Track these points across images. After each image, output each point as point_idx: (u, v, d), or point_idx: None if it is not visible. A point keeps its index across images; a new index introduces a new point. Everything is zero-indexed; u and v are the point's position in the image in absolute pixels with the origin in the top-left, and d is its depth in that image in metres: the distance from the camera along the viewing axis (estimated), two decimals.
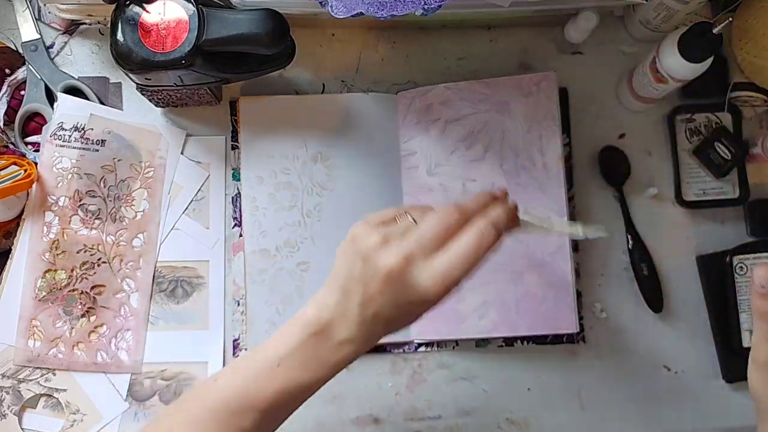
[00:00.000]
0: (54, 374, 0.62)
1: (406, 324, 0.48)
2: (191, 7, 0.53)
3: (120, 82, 0.67)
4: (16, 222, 0.63)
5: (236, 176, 0.66)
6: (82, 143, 0.64)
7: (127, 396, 0.63)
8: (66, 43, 0.67)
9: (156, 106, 0.65)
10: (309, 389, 0.48)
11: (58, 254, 0.63)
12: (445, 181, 0.65)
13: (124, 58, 0.53)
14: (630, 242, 0.67)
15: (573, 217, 0.67)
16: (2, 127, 0.65)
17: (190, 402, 0.49)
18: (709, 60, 0.58)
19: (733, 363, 0.66)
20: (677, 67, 0.58)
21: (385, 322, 0.47)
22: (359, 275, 0.46)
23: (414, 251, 0.45)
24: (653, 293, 0.66)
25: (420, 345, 0.65)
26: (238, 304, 0.64)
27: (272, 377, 0.47)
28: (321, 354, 0.47)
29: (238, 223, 0.65)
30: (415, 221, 0.47)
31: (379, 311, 0.46)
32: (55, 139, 0.63)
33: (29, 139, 0.66)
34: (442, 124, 0.66)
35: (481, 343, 0.66)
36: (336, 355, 0.47)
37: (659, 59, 0.60)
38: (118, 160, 0.65)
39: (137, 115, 0.66)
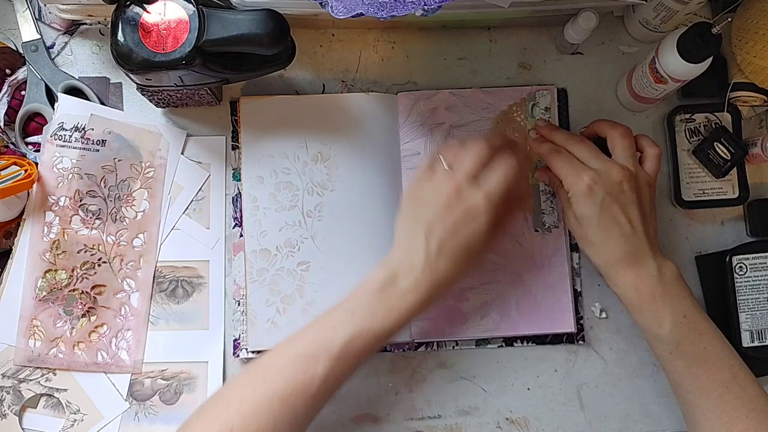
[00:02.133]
0: (54, 374, 0.62)
1: (464, 259, 0.54)
2: (191, 8, 0.53)
3: (120, 83, 0.67)
4: (16, 222, 0.63)
5: (237, 176, 0.66)
6: (82, 143, 0.64)
7: (127, 396, 0.63)
8: (66, 43, 0.67)
9: (156, 106, 0.65)
10: (378, 337, 0.53)
11: (58, 254, 0.63)
12: None
13: (124, 59, 0.53)
14: None
15: None
16: (3, 127, 0.65)
17: (268, 353, 0.55)
18: (709, 60, 0.58)
19: None
20: (676, 67, 0.58)
21: (448, 258, 0.54)
22: (419, 218, 0.55)
23: (461, 181, 0.55)
24: None
25: (420, 345, 0.65)
26: (239, 304, 0.64)
27: (345, 325, 0.53)
28: (389, 302, 0.54)
29: (239, 223, 0.65)
30: (450, 167, 0.56)
31: (441, 243, 0.54)
32: (56, 140, 0.63)
33: (30, 139, 0.66)
34: (446, 128, 0.66)
35: (481, 343, 0.66)
36: (402, 302, 0.54)
37: (658, 59, 0.60)
38: (119, 160, 0.65)
39: (138, 115, 0.66)
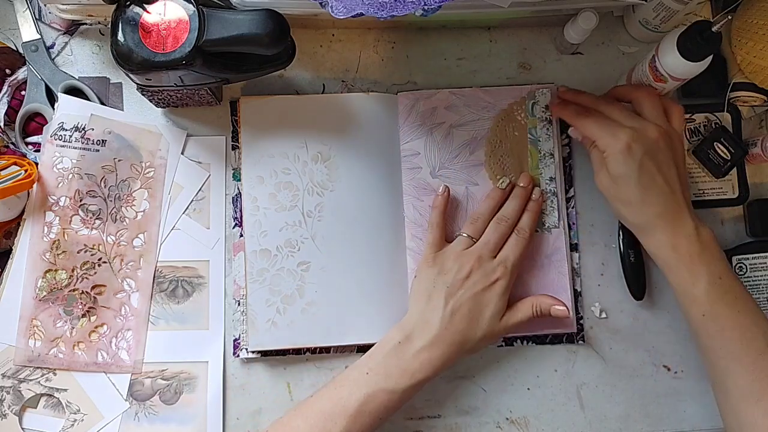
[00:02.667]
0: (54, 374, 0.62)
1: (478, 323, 0.60)
2: (191, 8, 0.53)
3: (120, 83, 0.67)
4: (16, 222, 0.63)
5: (237, 176, 0.66)
6: (82, 143, 0.64)
7: (127, 396, 0.63)
8: (66, 43, 0.67)
9: (156, 106, 0.65)
10: (392, 396, 0.57)
11: (58, 254, 0.63)
12: (449, 183, 0.66)
13: (124, 59, 0.53)
14: (620, 224, 0.67)
15: (573, 218, 0.67)
16: (3, 127, 0.65)
17: (288, 416, 0.58)
18: (708, 59, 0.58)
19: None
20: (676, 66, 0.58)
21: (463, 320, 0.59)
22: (439, 283, 0.60)
23: (482, 254, 0.61)
24: (636, 281, 0.66)
25: None
26: (239, 304, 0.64)
27: (361, 384, 0.57)
28: (402, 362, 0.58)
29: (239, 223, 0.65)
30: (471, 237, 0.62)
31: (458, 306, 0.59)
32: (56, 140, 0.63)
33: (30, 139, 0.66)
34: (446, 128, 0.66)
35: None
36: (415, 361, 0.58)
37: (658, 58, 0.60)
38: (119, 160, 0.65)
39: (138, 115, 0.66)
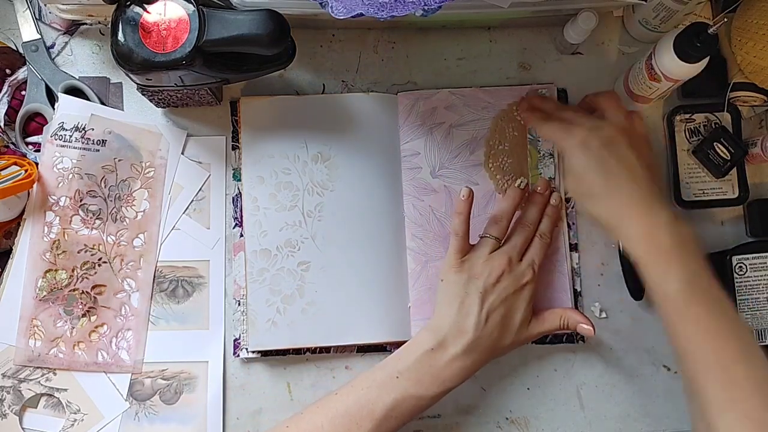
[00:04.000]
0: (54, 374, 0.62)
1: (510, 328, 0.59)
2: (192, 8, 0.53)
3: (121, 83, 0.67)
4: (16, 222, 0.63)
5: (237, 176, 0.66)
6: (82, 143, 0.64)
7: (127, 395, 0.63)
8: (67, 43, 0.67)
9: (157, 106, 0.65)
10: (420, 402, 0.56)
11: (58, 254, 0.63)
12: (449, 184, 0.66)
13: (124, 59, 0.53)
14: None
15: (573, 218, 0.67)
16: (3, 127, 0.65)
17: (310, 412, 0.56)
18: (704, 61, 0.58)
19: None
20: (672, 66, 0.58)
21: (497, 326, 0.58)
22: (471, 287, 0.59)
23: (512, 256, 0.60)
24: (636, 281, 0.66)
25: None
26: (239, 304, 0.64)
27: (390, 388, 0.55)
28: (435, 369, 0.56)
29: (239, 223, 0.65)
30: (497, 238, 0.61)
31: (492, 311, 0.58)
32: (56, 140, 0.63)
33: (30, 139, 0.66)
34: (446, 128, 0.66)
35: None
36: (448, 369, 0.56)
37: (655, 57, 0.60)
38: (119, 160, 0.65)
39: (138, 115, 0.66)
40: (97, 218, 0.64)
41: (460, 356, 0.57)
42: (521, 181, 0.65)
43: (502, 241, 0.62)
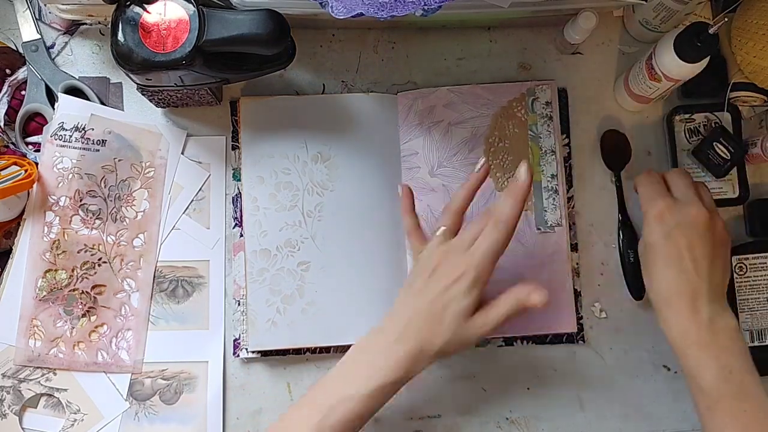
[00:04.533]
0: (54, 374, 0.62)
1: (442, 328, 0.54)
2: (192, 8, 0.53)
3: (120, 83, 0.67)
4: (16, 222, 0.63)
5: (237, 176, 0.66)
6: (82, 143, 0.64)
7: (127, 395, 0.63)
8: (66, 43, 0.67)
9: (156, 106, 0.65)
10: (355, 405, 0.52)
11: (58, 254, 0.63)
12: (447, 182, 0.65)
13: (124, 59, 0.53)
14: (619, 224, 0.66)
15: (573, 218, 0.67)
16: (3, 127, 0.65)
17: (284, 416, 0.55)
18: (705, 61, 0.58)
19: None
20: (672, 66, 0.58)
21: (425, 321, 0.54)
22: (414, 282, 0.56)
23: (452, 247, 0.56)
24: (636, 281, 0.66)
25: None
26: (239, 304, 0.64)
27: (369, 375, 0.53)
28: (370, 356, 0.54)
29: (239, 223, 0.65)
30: (448, 230, 0.57)
31: (419, 305, 0.54)
32: (56, 139, 0.63)
33: (30, 139, 0.66)
34: (445, 126, 0.66)
35: (481, 343, 0.66)
36: (381, 357, 0.53)
37: (655, 57, 0.60)
38: (119, 160, 0.65)
39: (138, 115, 0.66)
40: (97, 218, 0.64)
41: (392, 344, 0.53)
42: (480, 163, 0.59)
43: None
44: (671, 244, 0.56)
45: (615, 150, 0.68)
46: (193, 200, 0.66)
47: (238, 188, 0.66)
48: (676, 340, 0.55)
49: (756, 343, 0.65)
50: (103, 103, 0.66)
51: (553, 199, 0.66)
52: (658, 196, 0.58)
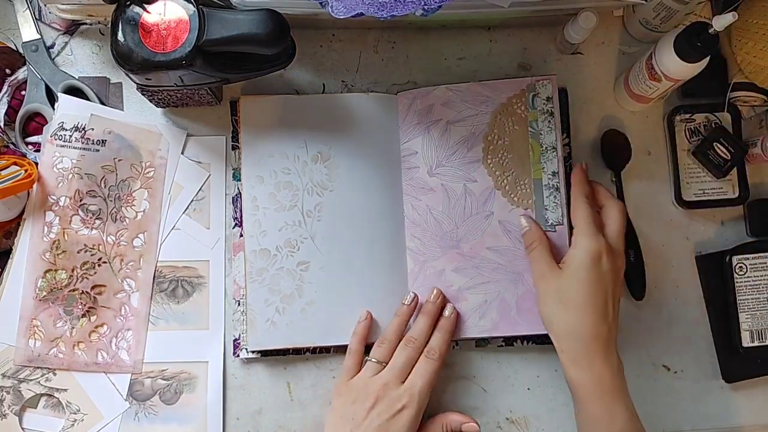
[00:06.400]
0: (54, 374, 0.62)
1: None
2: (192, 8, 0.53)
3: (120, 83, 0.67)
4: (16, 222, 0.63)
5: (237, 176, 0.66)
6: (82, 143, 0.64)
7: (127, 396, 0.63)
8: (66, 43, 0.67)
9: (156, 106, 0.65)
10: None
11: (58, 254, 0.63)
12: (446, 182, 0.65)
13: (124, 59, 0.53)
14: None
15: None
16: (3, 127, 0.65)
17: None
18: (705, 61, 0.58)
19: (733, 363, 0.66)
20: (672, 65, 0.58)
21: None
22: (348, 414, 0.59)
23: (388, 380, 0.59)
24: (636, 281, 0.66)
25: None
26: (239, 304, 0.64)
27: None
28: None
29: (239, 223, 0.65)
30: (380, 362, 0.61)
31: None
32: (56, 139, 0.63)
33: (30, 139, 0.66)
34: (443, 124, 0.66)
35: (481, 343, 0.66)
36: None
37: (655, 57, 0.60)
38: (119, 160, 0.65)
39: (138, 115, 0.66)
40: (97, 218, 0.64)
41: None
42: (407, 297, 0.63)
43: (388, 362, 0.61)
44: (601, 289, 0.56)
45: (615, 150, 0.68)
46: (193, 200, 0.66)
47: (238, 188, 0.66)
48: (591, 391, 0.56)
49: (756, 343, 0.65)
50: (103, 103, 0.66)
51: (554, 196, 0.65)
52: (597, 232, 0.58)
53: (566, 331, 0.57)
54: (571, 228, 0.66)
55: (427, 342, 0.62)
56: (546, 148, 0.65)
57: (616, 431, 0.55)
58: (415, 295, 0.64)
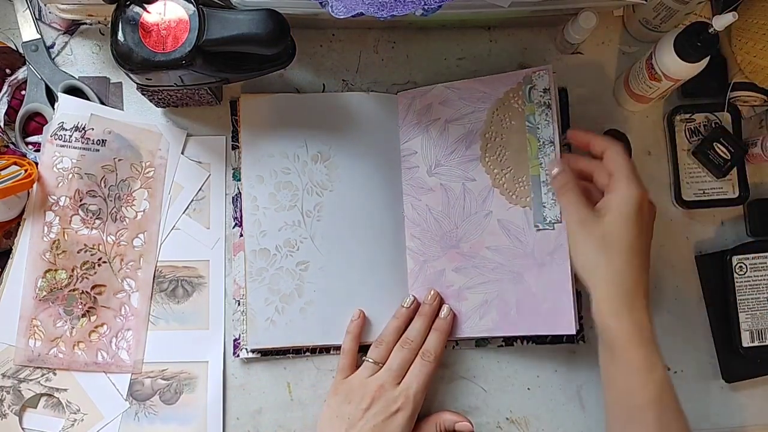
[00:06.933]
0: (54, 374, 0.62)
1: None
2: (192, 7, 0.53)
3: (120, 82, 0.67)
4: (16, 222, 0.63)
5: (237, 176, 0.66)
6: (82, 143, 0.64)
7: (127, 395, 0.63)
8: (66, 43, 0.67)
9: (156, 106, 0.65)
10: None
11: (58, 254, 0.63)
12: (445, 181, 0.65)
13: (124, 58, 0.53)
14: None
15: None
16: (3, 127, 0.65)
17: None
18: (705, 61, 0.58)
19: (733, 363, 0.66)
20: (672, 65, 0.58)
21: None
22: (343, 413, 0.59)
23: (385, 381, 0.60)
24: None
25: None
26: (239, 304, 0.64)
27: None
28: None
29: (239, 223, 0.65)
30: (376, 362, 0.61)
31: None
32: (56, 139, 0.63)
33: (30, 139, 0.66)
34: (442, 123, 0.66)
35: (481, 343, 0.66)
36: None
37: (655, 56, 0.60)
38: (119, 160, 0.65)
39: (138, 115, 0.66)
40: (97, 218, 0.64)
41: None
42: (407, 300, 0.64)
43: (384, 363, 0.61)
44: (646, 234, 0.56)
45: None
46: (193, 200, 0.66)
47: (238, 188, 0.66)
48: (627, 335, 0.53)
49: (756, 343, 0.65)
50: (103, 103, 0.66)
51: (553, 193, 0.62)
52: (639, 182, 0.55)
53: (610, 277, 0.55)
54: None
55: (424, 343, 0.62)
56: (543, 142, 0.63)
57: (657, 379, 0.53)
58: (415, 299, 0.64)
